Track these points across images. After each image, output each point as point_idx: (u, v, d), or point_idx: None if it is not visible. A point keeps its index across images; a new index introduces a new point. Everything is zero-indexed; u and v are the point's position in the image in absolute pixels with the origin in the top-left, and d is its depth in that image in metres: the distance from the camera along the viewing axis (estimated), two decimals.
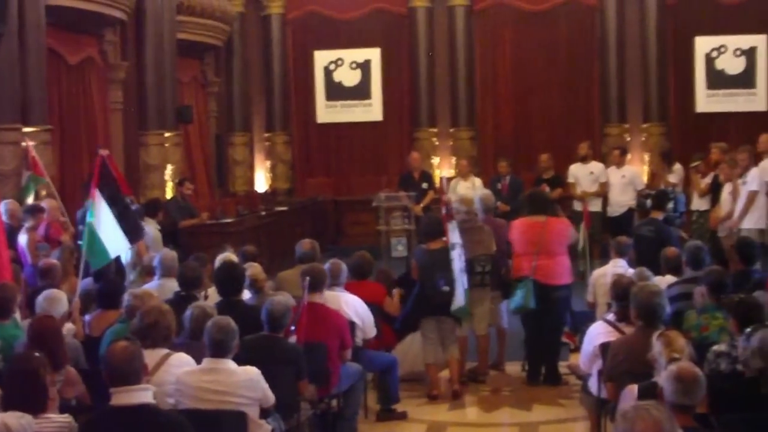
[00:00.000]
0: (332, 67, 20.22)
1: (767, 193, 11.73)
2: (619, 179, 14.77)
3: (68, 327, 7.42)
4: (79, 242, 9.66)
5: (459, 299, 8.93)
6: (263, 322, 6.86)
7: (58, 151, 13.39)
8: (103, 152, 9.05)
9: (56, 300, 7.22)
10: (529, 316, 9.54)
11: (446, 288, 8.92)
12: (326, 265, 8.33)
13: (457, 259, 8.90)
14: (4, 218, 10.17)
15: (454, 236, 8.91)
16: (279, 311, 6.84)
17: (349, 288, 8.70)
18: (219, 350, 5.92)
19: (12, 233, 9.97)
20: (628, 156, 16.62)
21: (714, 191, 12.81)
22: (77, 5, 13.18)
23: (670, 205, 11.07)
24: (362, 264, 9.30)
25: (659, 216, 10.93)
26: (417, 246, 10.24)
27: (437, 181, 17.31)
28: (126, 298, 7.20)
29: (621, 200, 14.69)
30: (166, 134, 15.86)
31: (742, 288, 7.60)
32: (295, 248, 9.36)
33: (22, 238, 10.17)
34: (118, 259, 9.90)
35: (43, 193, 11.68)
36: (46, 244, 10.21)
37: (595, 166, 15.17)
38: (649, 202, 12.12)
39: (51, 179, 11.98)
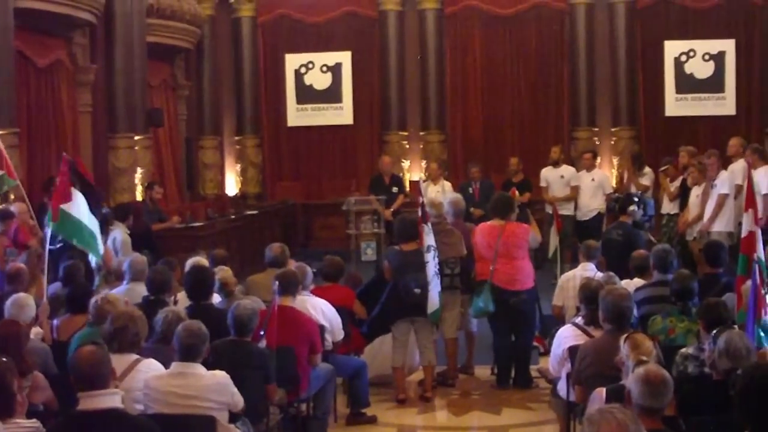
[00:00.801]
0: (303, 70, 20.20)
1: (736, 196, 11.78)
2: (589, 183, 14.76)
3: (36, 331, 7.38)
4: (48, 246, 9.58)
5: (434, 302, 8.92)
6: (230, 327, 6.82)
7: (26, 154, 13.31)
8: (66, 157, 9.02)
9: (23, 305, 7.17)
10: (496, 320, 9.54)
11: (417, 290, 8.90)
12: None
13: (432, 262, 8.89)
14: None
15: (429, 239, 8.88)
16: (245, 315, 6.80)
17: (319, 291, 8.70)
18: (188, 354, 5.88)
19: None
20: (598, 159, 16.67)
21: (682, 195, 12.87)
22: (46, 7, 13.10)
23: (632, 207, 11.04)
24: (333, 267, 9.30)
25: (628, 220, 10.97)
26: (389, 247, 10.22)
27: (407, 184, 17.27)
28: (93, 302, 7.15)
29: (591, 204, 14.65)
30: (136, 137, 15.77)
31: (711, 291, 7.65)
32: (265, 252, 9.34)
33: None
34: (87, 263, 9.82)
35: (12, 196, 11.60)
36: (14, 249, 10.13)
37: (566, 170, 15.15)
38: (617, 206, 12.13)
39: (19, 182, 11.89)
